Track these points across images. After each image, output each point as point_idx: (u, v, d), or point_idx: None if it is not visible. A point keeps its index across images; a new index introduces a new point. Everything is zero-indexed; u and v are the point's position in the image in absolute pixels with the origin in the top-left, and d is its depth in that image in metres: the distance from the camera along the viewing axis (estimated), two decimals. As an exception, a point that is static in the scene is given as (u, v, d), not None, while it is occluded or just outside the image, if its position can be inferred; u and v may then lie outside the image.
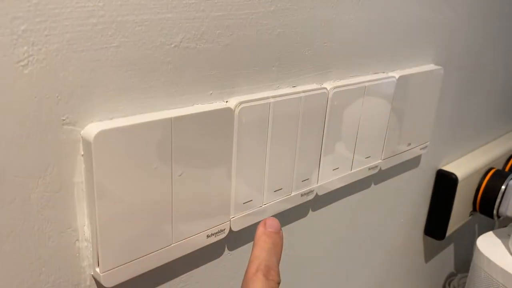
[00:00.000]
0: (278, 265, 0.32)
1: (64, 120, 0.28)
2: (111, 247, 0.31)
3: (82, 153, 0.30)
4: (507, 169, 0.88)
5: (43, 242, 0.30)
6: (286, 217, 0.48)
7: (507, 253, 0.68)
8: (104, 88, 0.29)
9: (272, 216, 0.44)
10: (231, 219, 0.40)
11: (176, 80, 0.33)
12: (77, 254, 0.32)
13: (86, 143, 0.29)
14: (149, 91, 0.32)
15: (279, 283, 0.31)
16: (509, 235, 0.70)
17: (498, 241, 0.71)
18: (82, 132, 0.29)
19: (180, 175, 0.34)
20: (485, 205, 0.80)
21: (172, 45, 0.32)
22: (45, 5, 0.25)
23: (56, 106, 0.28)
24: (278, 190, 0.43)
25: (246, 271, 0.31)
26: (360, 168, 0.53)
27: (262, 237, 0.33)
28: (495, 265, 0.66)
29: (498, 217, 0.80)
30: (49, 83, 0.27)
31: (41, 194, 0.29)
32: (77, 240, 0.31)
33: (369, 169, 0.55)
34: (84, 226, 0.31)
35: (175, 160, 0.33)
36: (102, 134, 0.29)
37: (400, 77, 0.53)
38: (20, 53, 0.25)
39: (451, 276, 0.96)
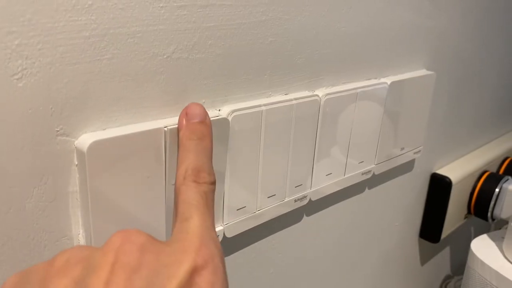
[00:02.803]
0: (211, 161, 0.28)
1: (58, 131, 0.29)
2: (106, 255, 0.32)
3: (76, 163, 0.30)
4: (501, 171, 0.89)
5: (39, 251, 0.30)
6: (280, 222, 0.48)
7: (501, 255, 0.68)
8: (97, 99, 0.30)
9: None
10: (225, 226, 0.40)
11: (169, 90, 0.34)
12: (72, 262, 0.32)
13: (80, 154, 0.29)
14: (142, 101, 0.33)
15: (213, 183, 0.27)
16: (503, 238, 0.70)
17: (492, 244, 0.71)
18: (76, 142, 0.30)
19: (173, 184, 0.34)
20: (480, 208, 0.81)
21: (165, 56, 0.33)
22: (38, 19, 0.26)
23: (50, 118, 0.28)
24: (271, 196, 0.44)
25: (175, 180, 0.27)
26: (353, 173, 0.54)
27: (186, 133, 0.29)
28: (489, 267, 0.66)
29: (493, 219, 0.80)
30: (43, 95, 0.27)
31: (36, 204, 0.29)
32: (72, 248, 0.32)
33: (363, 174, 0.55)
34: (78, 234, 0.32)
35: (169, 169, 0.34)
36: (96, 144, 0.29)
37: (392, 82, 0.54)
38: (14, 66, 0.26)
39: (447, 279, 0.97)
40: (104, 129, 0.31)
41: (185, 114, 0.29)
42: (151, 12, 0.31)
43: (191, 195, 0.25)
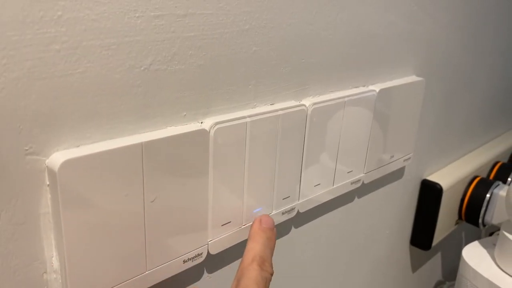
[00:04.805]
0: (272, 257, 0.35)
1: (27, 150, 0.27)
2: (81, 278, 0.30)
3: (48, 183, 0.28)
4: (491, 177, 0.88)
5: (8, 277, 0.28)
6: (268, 236, 0.47)
7: (493, 263, 0.67)
8: (69, 116, 0.28)
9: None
10: (209, 242, 0.39)
11: (147, 103, 0.32)
12: (45, 287, 0.30)
13: (51, 173, 0.28)
14: (119, 116, 0.31)
15: (272, 274, 0.34)
16: (494, 245, 0.69)
17: (483, 251, 0.70)
18: (47, 161, 0.28)
19: (152, 201, 0.33)
20: (471, 214, 0.80)
21: (142, 68, 0.31)
22: (2, 32, 0.24)
23: (18, 136, 0.26)
24: (258, 210, 0.42)
25: (242, 261, 0.33)
26: (342, 183, 0.52)
27: (258, 232, 0.36)
28: (481, 276, 0.65)
29: (484, 225, 0.80)
30: (10, 113, 0.26)
31: (5, 228, 0.27)
32: (45, 272, 0.30)
33: (352, 183, 0.54)
34: (52, 257, 0.30)
35: (147, 186, 0.32)
36: (68, 163, 0.28)
37: (381, 90, 0.53)
38: (-24, 83, 0.24)
39: (439, 285, 0.96)
40: (77, 146, 0.29)
41: (259, 220, 0.37)
42: (126, 23, 0.29)
43: (255, 275, 0.32)
